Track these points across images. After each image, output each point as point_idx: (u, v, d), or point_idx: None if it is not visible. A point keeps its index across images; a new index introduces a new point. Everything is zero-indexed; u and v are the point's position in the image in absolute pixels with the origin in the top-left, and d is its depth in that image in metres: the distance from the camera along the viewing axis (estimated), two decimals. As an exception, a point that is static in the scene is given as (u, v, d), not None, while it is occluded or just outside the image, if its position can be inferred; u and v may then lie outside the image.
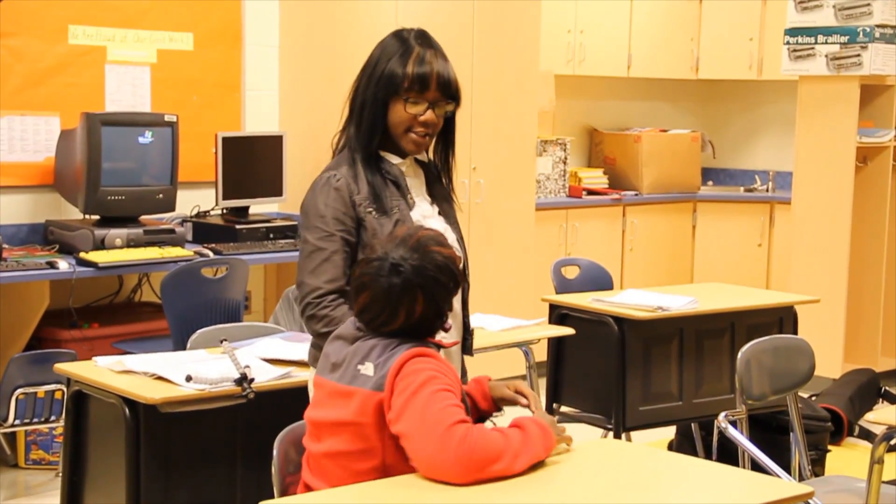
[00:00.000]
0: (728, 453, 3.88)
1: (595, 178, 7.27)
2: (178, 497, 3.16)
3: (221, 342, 3.41)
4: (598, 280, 5.09)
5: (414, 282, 2.44)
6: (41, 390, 4.48)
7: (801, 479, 3.80)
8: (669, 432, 5.05)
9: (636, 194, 7.28)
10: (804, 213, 6.41)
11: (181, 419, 3.10)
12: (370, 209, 2.72)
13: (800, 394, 3.83)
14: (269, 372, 3.24)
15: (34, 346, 4.77)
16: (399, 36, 2.79)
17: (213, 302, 4.73)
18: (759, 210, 7.43)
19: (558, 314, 4.62)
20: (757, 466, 3.39)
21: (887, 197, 6.41)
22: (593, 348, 4.53)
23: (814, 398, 5.57)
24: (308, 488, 2.52)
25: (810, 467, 3.89)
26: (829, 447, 4.96)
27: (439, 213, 2.85)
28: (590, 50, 7.12)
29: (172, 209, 5.22)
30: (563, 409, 4.73)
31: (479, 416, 2.64)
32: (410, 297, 2.44)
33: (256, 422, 3.20)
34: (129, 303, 5.40)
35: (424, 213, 2.80)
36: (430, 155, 2.89)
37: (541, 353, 4.71)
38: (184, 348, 3.69)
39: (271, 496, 2.55)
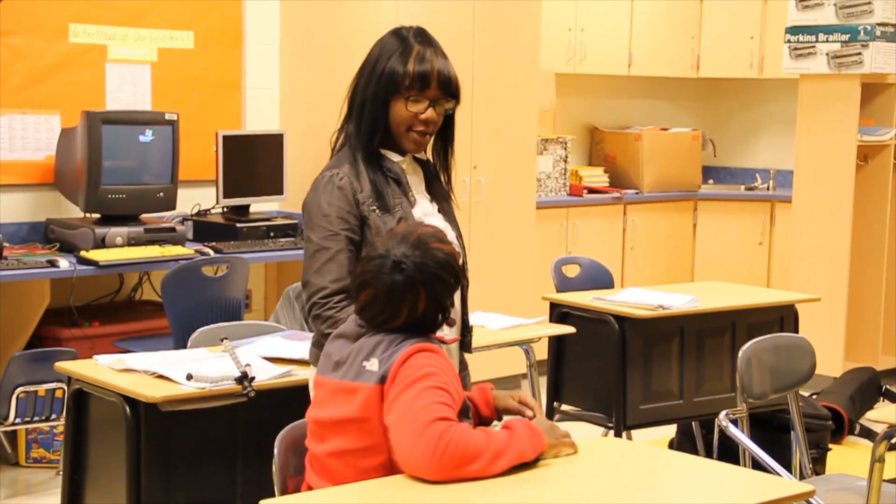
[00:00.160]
0: (729, 452, 3.88)
1: (596, 176, 7.27)
2: (178, 495, 3.16)
3: (222, 341, 3.41)
4: (599, 278, 5.09)
5: (416, 279, 2.45)
6: (42, 389, 4.48)
7: (801, 477, 3.80)
8: (670, 431, 5.05)
9: (637, 193, 7.28)
10: (805, 212, 6.41)
11: (182, 418, 3.10)
12: (373, 207, 2.73)
13: (800, 392, 3.83)
14: (269, 370, 3.24)
15: (35, 345, 4.77)
16: (398, 34, 2.79)
17: (214, 300, 4.73)
18: (759, 208, 7.43)
19: (559, 313, 4.62)
20: (758, 465, 3.39)
21: (888, 195, 6.41)
22: (594, 347, 4.53)
23: (814, 397, 5.57)
24: (309, 488, 2.52)
25: (811, 466, 3.89)
26: (830, 446, 4.96)
27: (439, 211, 2.85)
28: (590, 48, 7.11)
29: (173, 208, 5.22)
30: (564, 407, 4.73)
31: (481, 422, 2.64)
32: (413, 294, 2.45)
33: (257, 420, 3.20)
34: (129, 301, 5.40)
35: (425, 211, 2.81)
36: (429, 153, 2.89)
37: (541, 352, 4.71)
38: (184, 347, 3.69)
39: (272, 495, 2.54)
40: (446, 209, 2.87)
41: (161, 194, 5.14)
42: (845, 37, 6.17)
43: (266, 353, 3.39)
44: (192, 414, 3.10)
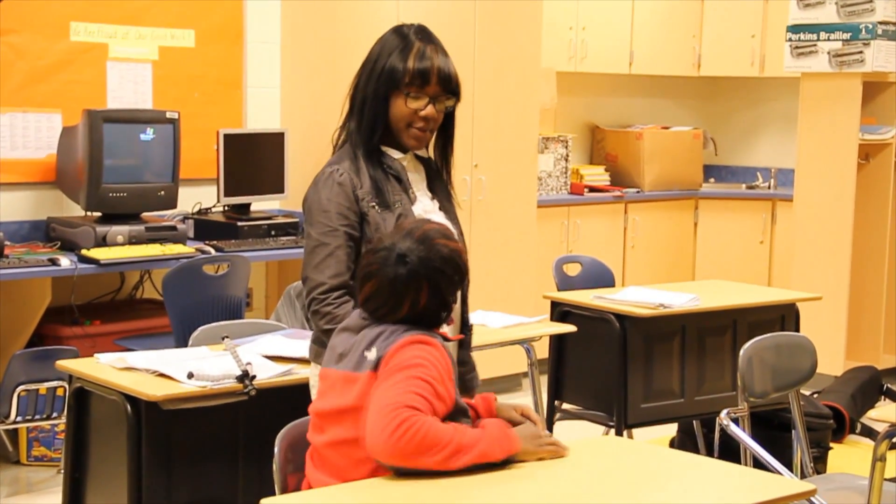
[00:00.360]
0: (730, 451, 3.88)
1: (597, 175, 7.27)
2: (179, 494, 3.16)
3: (223, 339, 3.41)
4: (600, 277, 5.09)
5: (420, 272, 2.46)
6: (43, 387, 4.48)
7: (802, 476, 3.80)
8: (671, 429, 5.05)
9: (638, 191, 7.27)
10: (806, 211, 6.40)
11: (183, 416, 3.10)
12: (373, 203, 2.73)
13: (802, 391, 3.83)
14: (270, 369, 3.24)
15: (36, 343, 4.77)
16: (399, 31, 2.80)
17: (215, 299, 4.73)
18: (760, 207, 7.43)
19: (560, 311, 4.62)
20: (759, 464, 3.39)
21: (889, 194, 6.41)
22: (595, 345, 4.53)
23: (816, 395, 5.57)
24: (309, 485, 2.52)
25: (812, 465, 3.89)
26: (831, 445, 4.96)
27: (440, 209, 2.86)
28: (591, 47, 7.11)
29: (174, 206, 5.22)
30: (565, 406, 4.73)
31: None
32: (416, 287, 2.47)
33: (258, 419, 3.20)
34: (130, 300, 5.40)
35: (426, 209, 2.81)
36: (430, 150, 2.89)
37: (542, 351, 4.71)
38: (185, 345, 3.69)
39: (273, 493, 2.55)
40: (447, 207, 2.87)
41: (162, 193, 5.14)
42: (847, 35, 6.17)
43: (267, 351, 3.39)
44: (194, 412, 3.10)
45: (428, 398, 2.36)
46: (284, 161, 5.61)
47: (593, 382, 4.60)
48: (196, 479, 3.20)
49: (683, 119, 8.03)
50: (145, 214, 5.12)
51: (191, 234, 5.31)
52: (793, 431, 3.84)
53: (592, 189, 7.08)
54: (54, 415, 4.53)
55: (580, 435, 4.66)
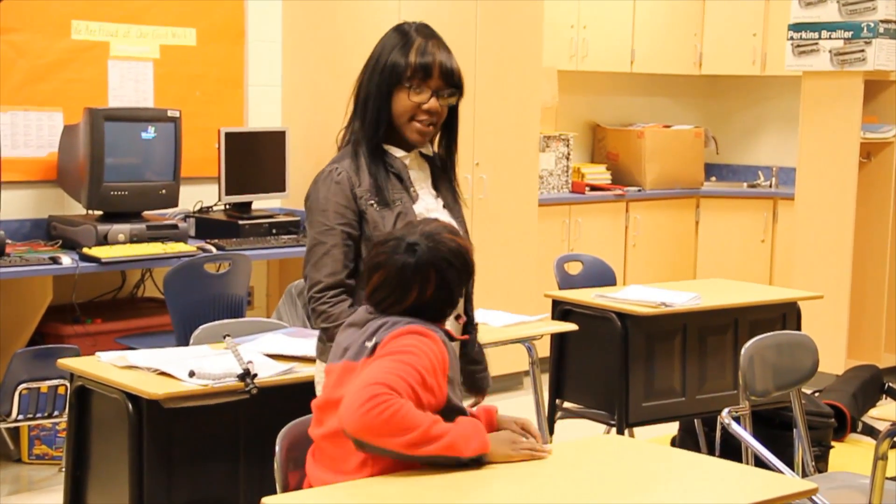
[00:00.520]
0: (731, 449, 3.88)
1: (598, 173, 7.27)
2: (180, 492, 3.16)
3: (224, 338, 3.40)
4: (601, 276, 5.08)
5: (429, 261, 2.49)
6: (44, 385, 4.48)
7: (804, 475, 3.80)
8: (672, 428, 5.05)
9: (639, 190, 7.27)
10: (807, 209, 6.40)
11: (184, 414, 3.10)
12: (371, 201, 2.74)
13: (803, 390, 3.82)
14: (272, 367, 3.24)
15: (37, 342, 4.77)
16: (400, 29, 2.82)
17: (216, 297, 4.73)
18: (762, 206, 7.43)
19: (561, 310, 4.62)
20: (760, 462, 3.38)
21: (891, 193, 6.41)
22: (596, 344, 4.53)
23: (817, 394, 5.57)
24: (310, 486, 2.52)
25: (813, 463, 3.89)
26: (833, 443, 4.96)
27: (444, 207, 2.86)
28: (593, 45, 7.11)
29: (175, 205, 5.22)
30: (566, 404, 4.73)
31: None
32: (423, 276, 2.49)
33: (259, 417, 3.20)
34: (131, 298, 5.40)
35: (429, 207, 2.81)
36: (435, 148, 2.90)
37: (544, 349, 4.71)
38: (187, 344, 3.69)
39: (274, 491, 2.55)
40: (452, 206, 2.88)
41: (163, 191, 5.14)
42: (848, 34, 6.17)
43: (268, 350, 3.39)
44: (195, 411, 3.10)
45: (411, 384, 2.37)
46: (285, 159, 5.61)
47: (594, 381, 4.60)
48: (197, 477, 3.20)
49: (685, 118, 8.03)
50: (146, 213, 5.13)
51: (192, 232, 5.32)
52: (794, 430, 3.84)
53: (594, 188, 7.08)
54: (55, 413, 4.54)
55: (581, 434, 4.66)
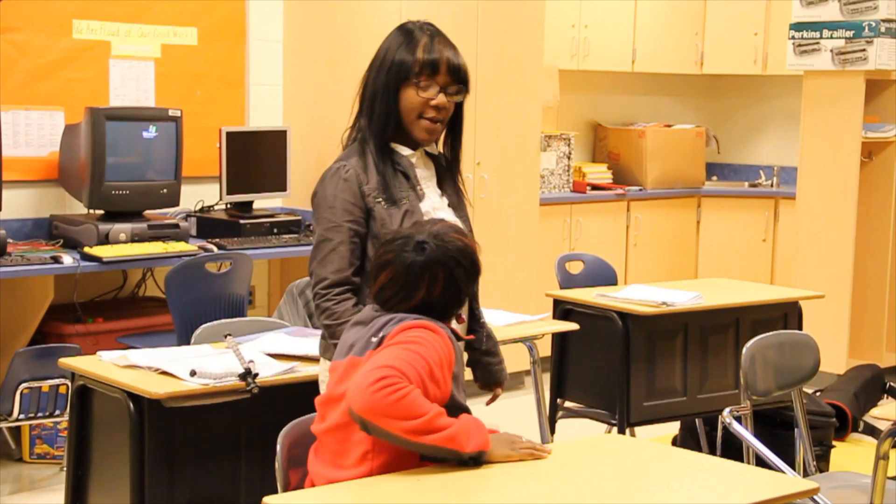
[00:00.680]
0: (732, 449, 3.88)
1: (599, 173, 7.27)
2: (181, 491, 3.16)
3: (225, 337, 3.40)
4: (603, 275, 5.08)
5: (437, 260, 2.50)
6: (46, 385, 4.48)
7: (805, 474, 3.79)
8: (673, 428, 5.05)
9: (640, 189, 7.27)
10: (809, 209, 6.40)
11: (185, 414, 3.10)
12: (379, 199, 2.75)
13: (804, 389, 3.82)
14: (273, 367, 3.24)
15: (38, 341, 4.77)
16: (405, 28, 2.83)
17: (217, 297, 4.73)
18: (763, 205, 7.42)
19: (562, 309, 4.62)
20: (761, 462, 3.38)
21: (892, 192, 6.40)
22: (597, 343, 4.53)
23: (818, 394, 5.57)
24: (312, 484, 2.52)
25: (815, 463, 3.88)
26: (834, 443, 4.96)
27: (448, 206, 2.87)
28: (594, 45, 7.11)
29: (176, 204, 5.22)
30: (567, 404, 4.73)
31: None
32: (431, 274, 2.50)
33: (260, 417, 3.20)
34: (133, 297, 5.40)
35: (434, 205, 2.83)
36: (440, 147, 2.91)
37: (545, 349, 4.71)
38: (188, 343, 3.69)
39: (275, 491, 2.55)
40: (457, 204, 2.89)
41: (164, 191, 5.14)
42: (850, 33, 6.16)
43: (269, 349, 3.39)
44: (196, 410, 3.10)
45: (420, 372, 2.38)
46: (287, 159, 5.61)
47: (596, 380, 4.60)
48: (198, 476, 3.20)
49: (686, 117, 8.03)
50: (148, 212, 5.13)
51: (193, 231, 5.32)
52: (795, 430, 3.84)
53: (595, 187, 7.08)
54: (57, 412, 4.54)
55: (582, 433, 4.66)
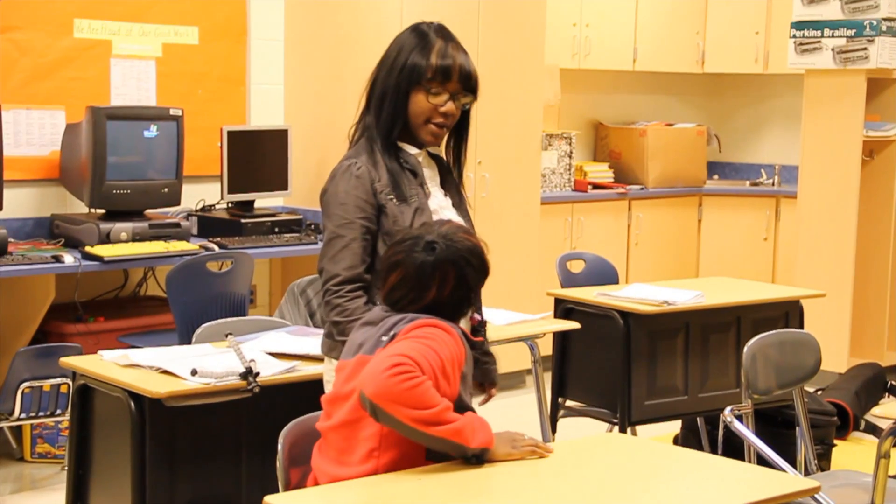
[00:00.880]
0: (734, 448, 3.87)
1: (600, 172, 7.26)
2: (183, 491, 3.16)
3: (227, 336, 3.41)
4: (604, 274, 5.08)
5: (447, 259, 2.51)
6: (47, 384, 4.48)
7: (806, 473, 3.79)
8: (675, 427, 5.05)
9: (642, 188, 7.27)
10: (810, 208, 6.40)
11: (186, 413, 3.10)
12: (391, 196, 2.77)
13: (806, 388, 3.82)
14: (274, 366, 3.24)
15: (39, 340, 4.77)
16: (418, 30, 2.83)
17: (218, 296, 4.73)
18: (764, 204, 7.42)
19: (563, 308, 4.61)
20: (763, 461, 3.38)
21: (894, 191, 6.40)
22: (599, 342, 4.52)
23: (819, 392, 5.57)
24: (315, 481, 2.53)
25: (816, 462, 3.88)
26: (835, 441, 4.96)
27: (452, 206, 2.88)
28: (595, 43, 7.10)
29: (178, 203, 5.23)
30: (569, 403, 4.73)
31: None
32: (442, 274, 2.51)
33: (262, 416, 3.20)
34: (134, 297, 5.40)
35: (440, 204, 2.84)
36: (443, 148, 2.92)
37: (546, 348, 4.71)
38: (189, 342, 3.69)
39: (276, 490, 2.55)
40: (459, 204, 2.90)
41: (166, 190, 5.14)
42: (851, 32, 6.16)
43: (270, 348, 3.39)
44: (197, 409, 3.10)
45: (433, 366, 2.39)
46: (288, 158, 5.61)
47: (597, 379, 4.60)
48: (199, 475, 3.20)
49: (687, 116, 8.03)
50: (149, 211, 5.13)
51: (194, 231, 5.32)
52: (797, 428, 3.84)
53: (596, 186, 7.08)
54: (58, 412, 4.54)
55: (584, 432, 4.66)
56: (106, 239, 4.84)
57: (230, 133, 5.40)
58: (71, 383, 3.47)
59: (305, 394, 2.99)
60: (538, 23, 6.20)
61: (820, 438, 4.73)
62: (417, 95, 2.78)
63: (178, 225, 5.07)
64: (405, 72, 2.77)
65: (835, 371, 5.95)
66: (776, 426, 4.50)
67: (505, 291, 5.88)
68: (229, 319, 3.81)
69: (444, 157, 2.93)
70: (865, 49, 6.12)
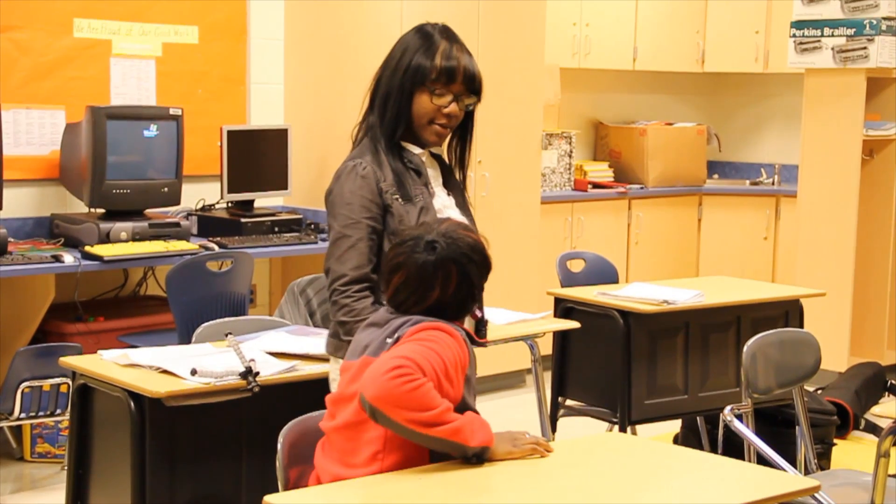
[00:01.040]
0: (733, 447, 3.87)
1: (600, 171, 7.26)
2: (183, 490, 3.16)
3: (226, 336, 3.40)
4: (604, 273, 5.08)
5: (449, 258, 2.51)
6: (47, 384, 4.48)
7: (806, 472, 3.79)
8: (675, 426, 5.05)
9: (641, 188, 7.27)
10: (810, 207, 6.40)
11: (186, 413, 3.10)
12: (396, 195, 2.78)
13: (805, 387, 3.82)
14: (274, 365, 3.24)
15: (39, 340, 4.77)
16: (423, 31, 2.85)
17: (218, 295, 4.73)
18: (764, 203, 7.42)
19: (563, 308, 4.61)
20: (763, 460, 3.38)
21: (893, 190, 6.40)
22: (599, 342, 4.52)
23: (819, 392, 5.57)
24: (317, 479, 2.53)
25: (816, 461, 3.88)
26: (835, 441, 4.96)
27: (455, 205, 2.89)
28: (595, 43, 7.10)
29: (177, 203, 5.23)
30: (569, 402, 4.73)
31: None
32: (444, 272, 2.51)
33: (261, 415, 3.20)
34: (134, 296, 5.40)
35: (444, 204, 2.86)
36: (444, 148, 2.92)
37: (546, 347, 4.71)
38: (189, 342, 3.69)
39: (276, 489, 2.55)
40: (462, 203, 2.91)
41: (165, 189, 5.14)
42: (851, 31, 6.16)
43: (270, 348, 3.39)
44: (197, 409, 3.10)
45: (435, 368, 2.39)
46: (288, 157, 5.61)
47: (597, 379, 4.60)
48: (199, 475, 3.20)
49: (687, 115, 8.03)
50: (149, 211, 5.13)
51: (194, 230, 5.32)
52: (797, 428, 3.84)
53: (596, 185, 7.08)
54: (58, 411, 4.54)
55: (584, 431, 4.66)
56: (106, 238, 4.84)
57: (230, 132, 5.40)
58: (71, 383, 3.47)
59: (305, 393, 2.99)
60: (538, 22, 6.20)
61: (820, 438, 4.73)
62: (421, 96, 2.79)
63: (177, 224, 5.07)
64: (409, 72, 2.78)
65: (835, 370, 5.95)
66: (776, 425, 4.50)
67: (505, 291, 5.88)
68: (229, 319, 3.81)
69: (446, 158, 2.93)
70: (865, 48, 6.12)
